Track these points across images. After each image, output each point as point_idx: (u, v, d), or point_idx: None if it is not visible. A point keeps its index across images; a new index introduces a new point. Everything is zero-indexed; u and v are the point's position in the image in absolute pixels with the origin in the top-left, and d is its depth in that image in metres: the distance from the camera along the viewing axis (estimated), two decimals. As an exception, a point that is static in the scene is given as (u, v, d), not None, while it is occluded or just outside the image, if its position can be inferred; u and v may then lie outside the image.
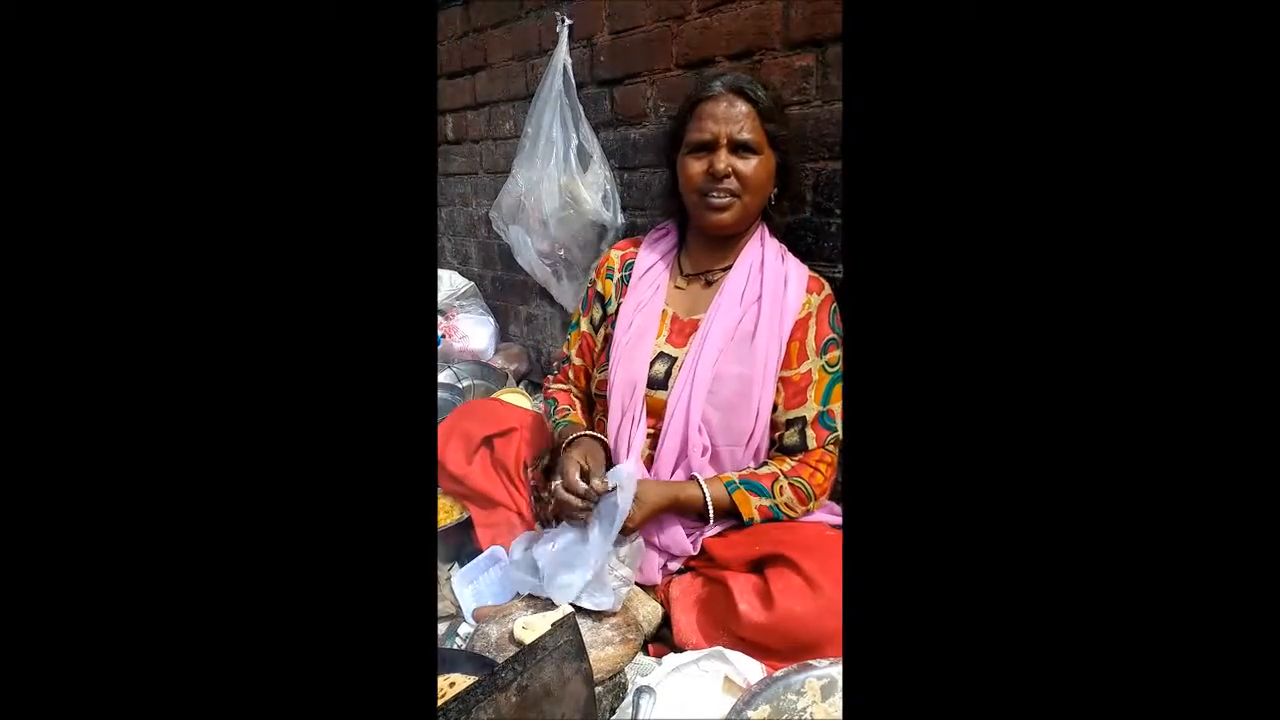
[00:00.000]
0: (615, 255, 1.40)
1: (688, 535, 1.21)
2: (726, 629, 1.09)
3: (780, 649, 1.03)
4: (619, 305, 1.34)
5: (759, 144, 1.19)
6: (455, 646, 1.16)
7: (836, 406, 1.21)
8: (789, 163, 1.24)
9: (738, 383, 1.21)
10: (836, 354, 1.22)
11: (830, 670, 0.93)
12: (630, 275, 1.35)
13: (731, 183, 1.20)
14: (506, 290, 2.46)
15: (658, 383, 1.25)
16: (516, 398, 1.89)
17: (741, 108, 1.19)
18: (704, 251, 1.31)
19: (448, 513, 1.45)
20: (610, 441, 1.27)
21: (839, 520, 1.24)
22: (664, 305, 1.30)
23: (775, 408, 1.23)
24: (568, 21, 1.85)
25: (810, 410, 1.21)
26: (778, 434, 1.24)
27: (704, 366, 1.21)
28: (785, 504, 1.19)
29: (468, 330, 2.40)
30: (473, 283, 2.55)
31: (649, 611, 1.18)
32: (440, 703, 0.79)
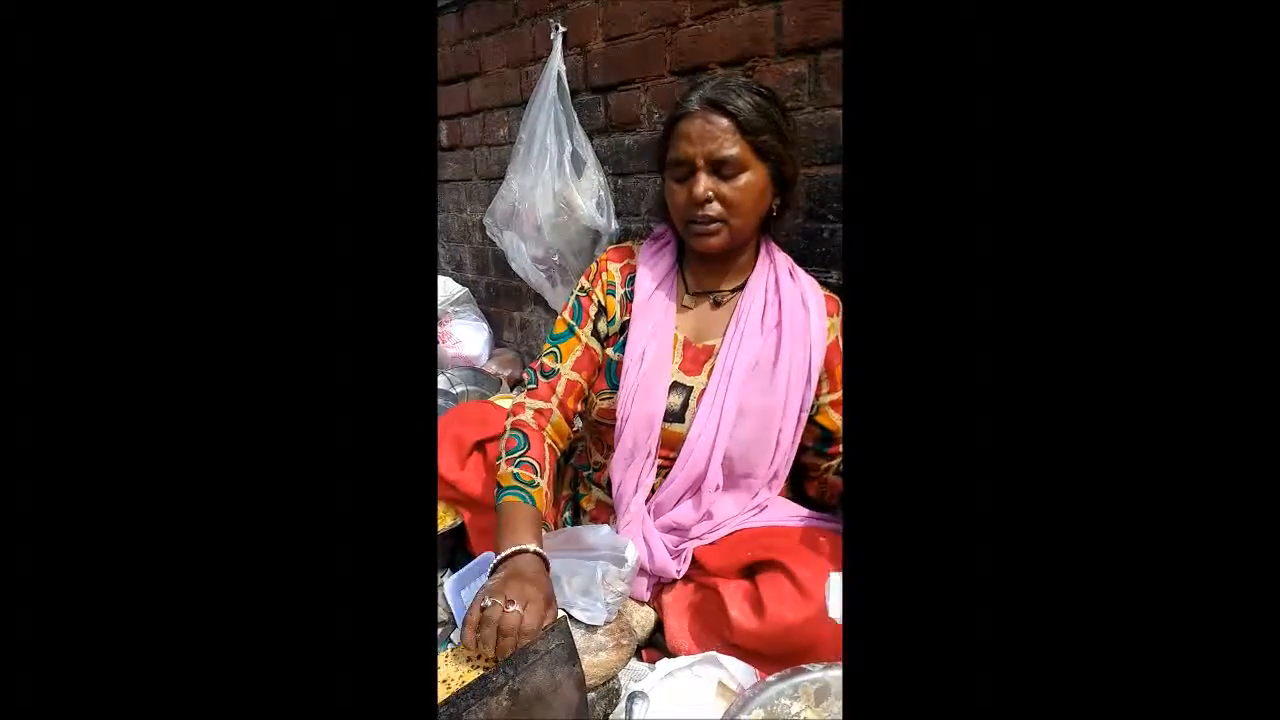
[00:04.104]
0: (614, 268, 1.28)
1: (674, 558, 1.20)
2: (719, 636, 1.09)
3: (772, 655, 1.02)
4: (623, 324, 1.25)
5: (742, 160, 1.10)
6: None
7: None
8: (787, 172, 1.16)
9: (760, 415, 1.16)
10: None
11: (824, 674, 0.93)
12: (634, 292, 1.25)
13: (714, 207, 1.12)
14: (500, 296, 2.46)
15: (673, 415, 1.19)
16: (510, 403, 1.89)
17: (719, 123, 1.09)
18: (706, 270, 1.24)
19: (440, 518, 1.44)
20: (616, 480, 1.22)
21: (830, 525, 1.24)
22: (674, 329, 1.22)
23: (825, 431, 1.22)
24: (562, 29, 1.86)
25: None
26: (838, 450, 1.23)
27: (730, 403, 1.16)
28: None
29: (462, 336, 2.39)
30: (467, 289, 2.55)
31: (642, 617, 1.18)
32: (432, 707, 0.79)
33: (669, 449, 1.21)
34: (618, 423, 1.21)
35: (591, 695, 1.00)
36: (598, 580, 1.09)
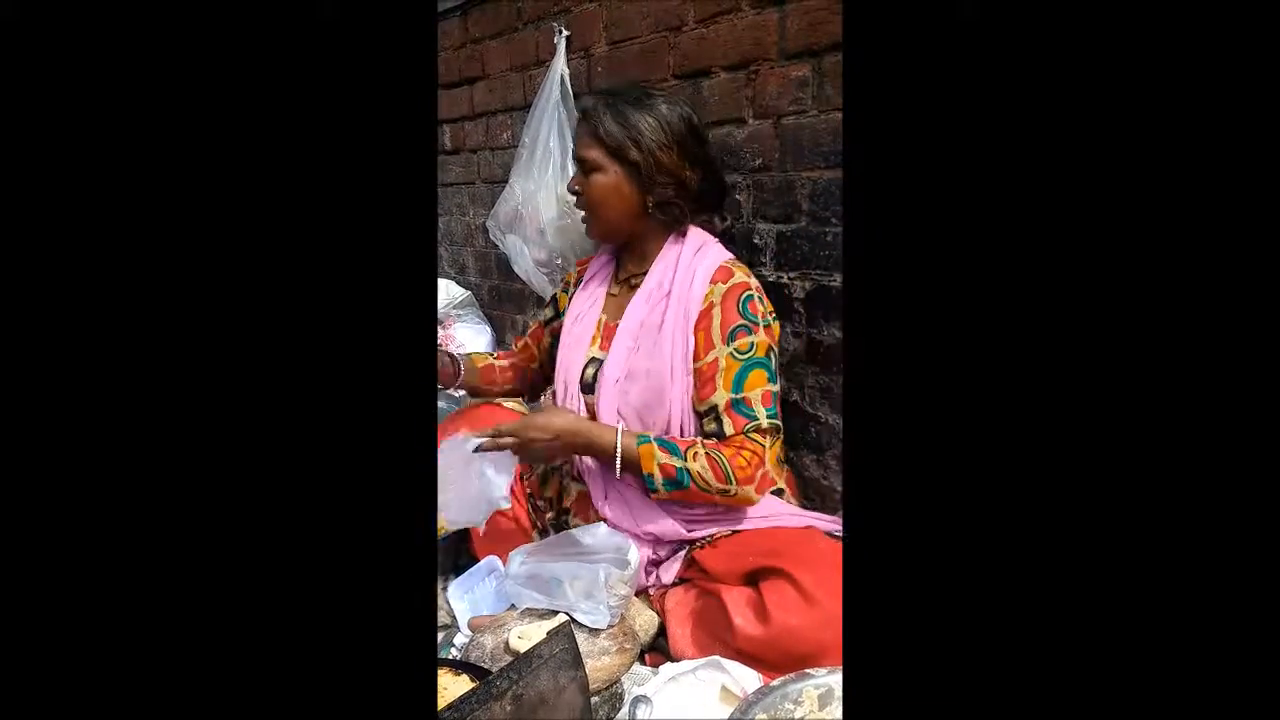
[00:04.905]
0: (575, 270, 1.49)
1: (686, 526, 1.22)
2: (722, 642, 1.08)
3: (776, 662, 1.02)
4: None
5: (596, 161, 1.26)
6: (450, 656, 1.16)
7: (754, 394, 1.18)
8: (649, 169, 1.23)
9: (648, 378, 1.24)
10: (747, 340, 1.20)
11: (827, 679, 0.92)
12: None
13: (581, 201, 1.31)
14: (503, 299, 2.46)
15: (588, 387, 1.30)
16: (513, 406, 1.89)
17: (582, 128, 1.29)
18: (628, 257, 1.38)
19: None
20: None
21: (831, 527, 1.23)
22: (600, 314, 1.36)
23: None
24: (565, 32, 1.86)
25: (721, 398, 1.19)
26: (698, 423, 1.24)
27: (612, 366, 1.27)
28: (698, 471, 1.14)
29: (465, 339, 2.39)
30: (469, 292, 2.55)
31: (645, 621, 1.17)
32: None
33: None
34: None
35: (595, 699, 1.00)
36: (600, 583, 1.09)
